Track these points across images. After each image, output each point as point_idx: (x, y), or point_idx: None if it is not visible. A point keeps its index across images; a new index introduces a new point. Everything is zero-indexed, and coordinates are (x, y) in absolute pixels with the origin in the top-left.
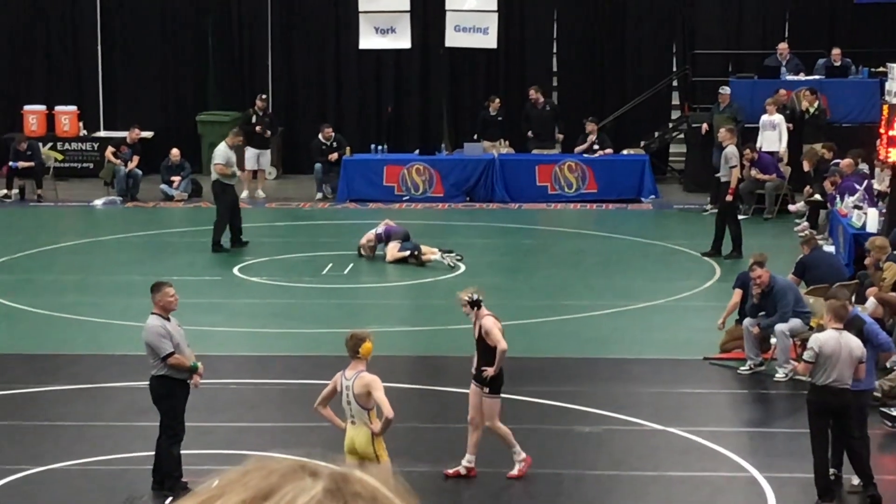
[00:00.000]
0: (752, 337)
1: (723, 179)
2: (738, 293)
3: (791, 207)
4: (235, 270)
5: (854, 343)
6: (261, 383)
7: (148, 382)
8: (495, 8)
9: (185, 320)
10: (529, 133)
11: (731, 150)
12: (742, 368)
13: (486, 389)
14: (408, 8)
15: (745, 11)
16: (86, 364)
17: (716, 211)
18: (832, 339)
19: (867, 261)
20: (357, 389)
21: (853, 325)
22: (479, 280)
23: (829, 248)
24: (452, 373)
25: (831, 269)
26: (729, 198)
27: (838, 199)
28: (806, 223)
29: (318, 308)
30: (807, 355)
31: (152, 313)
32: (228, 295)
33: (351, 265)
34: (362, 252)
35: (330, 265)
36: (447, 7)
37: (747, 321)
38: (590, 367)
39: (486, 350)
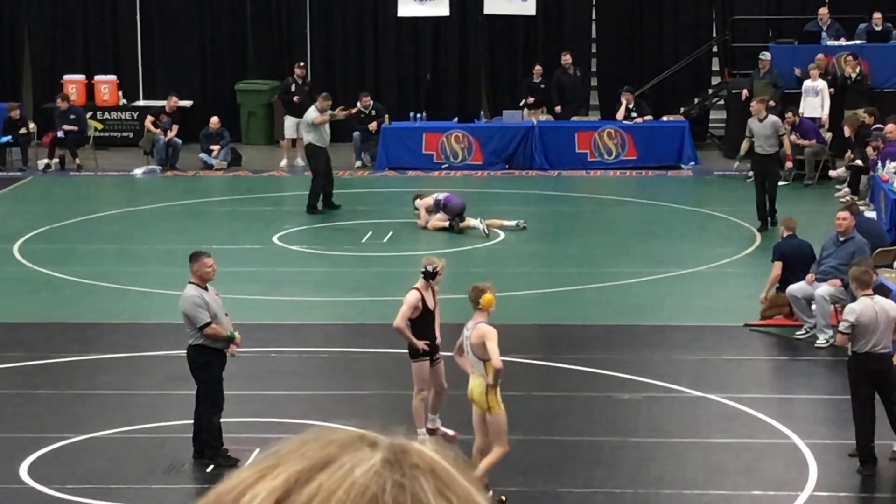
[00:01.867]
0: (800, 302)
1: (766, 152)
2: (777, 265)
3: (832, 173)
4: (275, 239)
5: (889, 305)
6: (301, 351)
7: (188, 348)
8: None
9: (224, 289)
10: (558, 108)
11: (775, 119)
12: (799, 333)
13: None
14: None
15: None
16: (126, 333)
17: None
18: (867, 307)
19: None
20: (474, 339)
21: (880, 292)
22: (519, 248)
23: (871, 214)
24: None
25: (873, 235)
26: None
27: (880, 164)
28: (847, 189)
29: (358, 276)
30: (842, 326)
31: (190, 282)
32: (268, 263)
33: (391, 233)
34: (416, 208)
35: (370, 233)
36: None
37: (792, 288)
38: (629, 334)
39: (430, 325)
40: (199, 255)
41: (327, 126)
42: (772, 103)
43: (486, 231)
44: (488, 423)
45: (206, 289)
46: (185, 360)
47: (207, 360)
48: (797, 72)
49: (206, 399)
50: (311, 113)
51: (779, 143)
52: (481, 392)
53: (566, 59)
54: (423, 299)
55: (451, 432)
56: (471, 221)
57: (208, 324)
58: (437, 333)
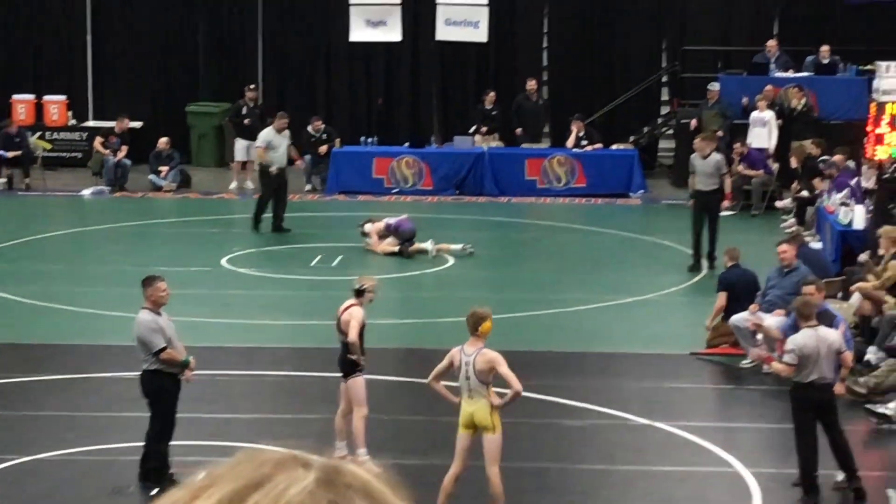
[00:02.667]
0: (744, 332)
1: (708, 188)
2: (723, 295)
3: (778, 204)
4: (224, 262)
5: (832, 336)
6: (249, 375)
7: (139, 374)
8: (486, 2)
9: (172, 311)
10: (518, 130)
11: (719, 158)
12: (744, 362)
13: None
14: (399, 1)
15: (735, 8)
16: (74, 354)
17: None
18: (809, 338)
19: (862, 257)
20: (479, 365)
21: (823, 319)
22: (467, 272)
23: (816, 245)
24: None
25: (818, 265)
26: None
27: (826, 195)
28: (793, 219)
29: (307, 300)
30: (788, 358)
31: (143, 307)
32: (217, 286)
33: (340, 257)
34: (365, 232)
35: (318, 257)
36: (438, 0)
37: (735, 318)
38: (577, 361)
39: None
40: (152, 280)
41: (281, 148)
42: (720, 133)
43: (434, 254)
44: (489, 442)
45: (159, 314)
46: (134, 382)
47: (162, 385)
48: (744, 101)
49: (158, 425)
50: (268, 133)
51: (720, 181)
52: (486, 414)
53: (531, 84)
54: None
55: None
56: (420, 245)
57: (164, 349)
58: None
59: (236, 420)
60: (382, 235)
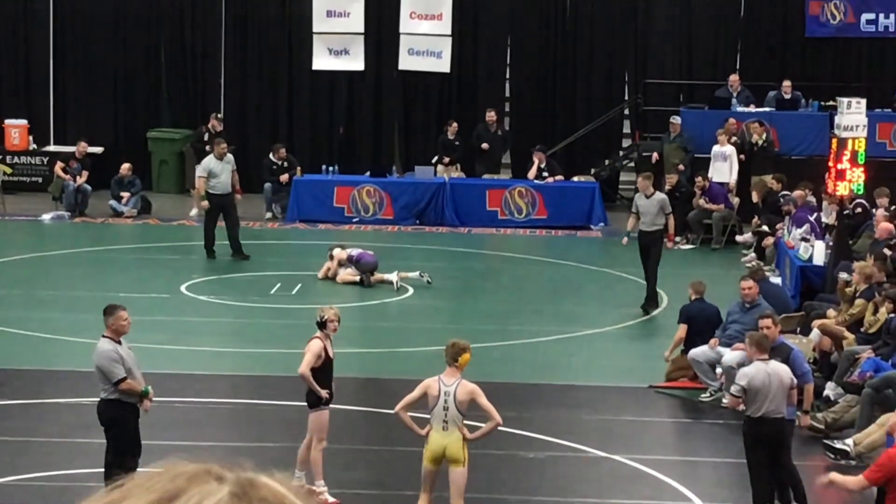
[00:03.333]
0: (702, 366)
1: (651, 228)
2: (683, 328)
3: (739, 238)
4: (183, 288)
5: (783, 371)
6: (207, 402)
7: (96, 402)
8: (449, 32)
9: (132, 338)
10: (484, 145)
11: (662, 197)
12: (703, 396)
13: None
14: (362, 30)
15: (696, 42)
16: (30, 379)
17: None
18: (760, 371)
19: (841, 281)
20: (460, 396)
21: (780, 352)
22: (427, 303)
23: (776, 280)
24: (399, 395)
25: (778, 300)
26: (671, 244)
27: (785, 230)
28: (753, 254)
29: (266, 328)
30: (734, 389)
31: (103, 336)
32: (175, 313)
33: (299, 285)
34: (332, 256)
35: (278, 285)
36: (401, 30)
37: (694, 352)
38: (535, 392)
39: (329, 374)
40: (114, 309)
41: (225, 174)
42: (681, 167)
43: (398, 286)
44: (456, 476)
45: (119, 342)
46: (90, 408)
47: (121, 415)
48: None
49: (116, 454)
50: (208, 161)
51: (664, 221)
52: (459, 447)
53: (490, 115)
54: (325, 348)
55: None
56: (384, 276)
57: (123, 379)
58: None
59: (194, 447)
60: (343, 265)
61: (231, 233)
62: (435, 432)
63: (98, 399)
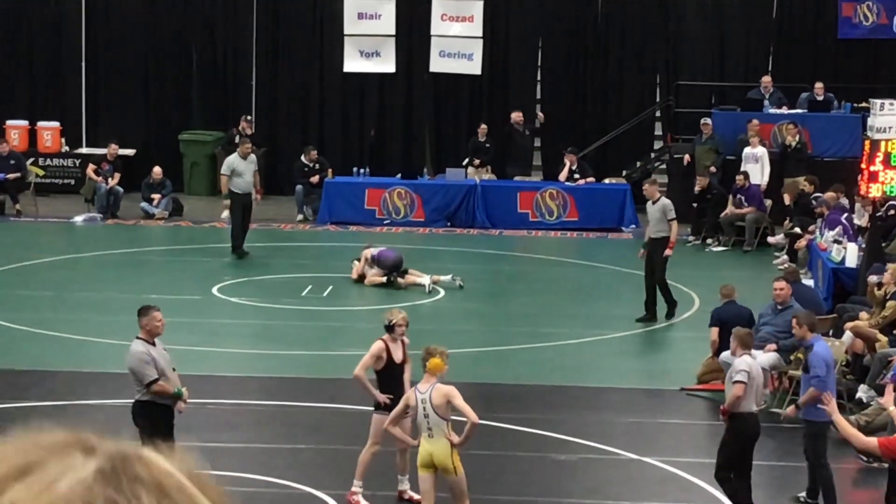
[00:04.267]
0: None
1: (657, 235)
2: (714, 331)
3: (771, 240)
4: (214, 290)
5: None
6: (238, 404)
7: (130, 403)
8: (480, 34)
9: (163, 339)
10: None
11: (666, 203)
12: None
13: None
14: (393, 32)
15: (729, 44)
16: (62, 381)
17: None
18: (754, 364)
19: (871, 283)
20: (435, 400)
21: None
22: (457, 305)
23: (808, 282)
24: None
25: (810, 303)
26: (669, 252)
27: (818, 232)
28: (785, 256)
29: (296, 330)
30: (741, 377)
31: (137, 337)
32: (207, 314)
33: (330, 287)
34: (356, 262)
35: (309, 287)
36: (432, 32)
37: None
38: (566, 395)
39: (401, 375)
40: (148, 310)
41: (248, 173)
42: (713, 169)
43: (430, 289)
44: (452, 484)
45: (153, 344)
46: (122, 410)
47: (153, 416)
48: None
49: None
50: (232, 159)
51: (668, 228)
52: (446, 454)
53: (517, 116)
54: (388, 351)
55: (416, 496)
56: (417, 279)
57: (156, 380)
58: (407, 388)
59: (224, 449)
60: (369, 265)
61: (244, 229)
62: (423, 440)
63: (132, 400)
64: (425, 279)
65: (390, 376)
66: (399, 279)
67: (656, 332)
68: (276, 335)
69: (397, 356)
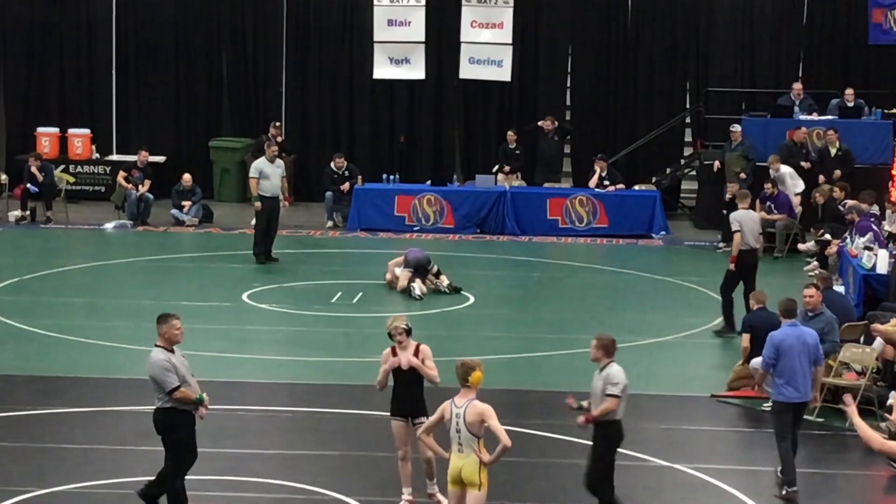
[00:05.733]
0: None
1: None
2: (746, 337)
3: (801, 247)
4: (244, 297)
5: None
6: (267, 410)
7: (154, 412)
8: (510, 41)
9: (193, 346)
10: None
11: (735, 213)
12: (765, 405)
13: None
14: (423, 39)
15: (759, 50)
16: (91, 387)
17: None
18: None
19: None
20: (469, 417)
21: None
22: (487, 312)
23: (839, 289)
24: None
25: (841, 309)
26: (731, 267)
27: (848, 239)
28: (816, 263)
29: (326, 336)
30: (615, 390)
31: (156, 345)
32: (237, 321)
33: (360, 294)
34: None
35: (339, 294)
36: (462, 39)
37: (756, 361)
38: None
39: (414, 381)
40: (167, 318)
41: (276, 177)
42: (743, 176)
43: (447, 289)
44: (473, 498)
45: (172, 351)
46: (150, 416)
47: (175, 423)
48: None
49: (173, 462)
50: (260, 163)
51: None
52: (474, 470)
53: (547, 124)
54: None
55: (444, 500)
56: (437, 281)
57: (178, 387)
58: (422, 394)
59: (254, 455)
60: (400, 266)
61: (269, 240)
62: (453, 454)
63: (154, 408)
64: (443, 280)
65: (398, 383)
66: (429, 280)
67: (687, 338)
68: (306, 342)
69: (402, 362)
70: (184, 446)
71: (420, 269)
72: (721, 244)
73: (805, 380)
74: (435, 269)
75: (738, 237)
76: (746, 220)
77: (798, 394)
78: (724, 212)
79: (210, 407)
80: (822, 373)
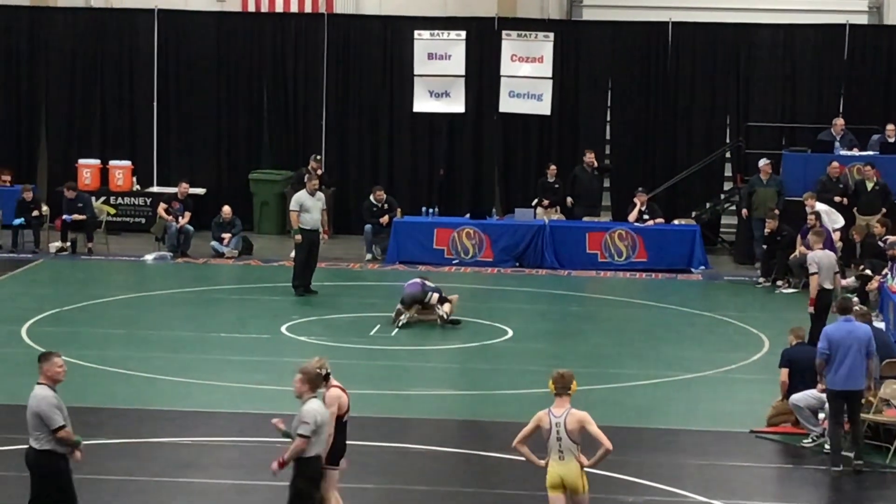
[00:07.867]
0: (804, 412)
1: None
2: (784, 372)
3: (842, 282)
4: (283, 329)
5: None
6: None
7: (196, 442)
8: (550, 75)
9: (231, 378)
10: (569, 200)
11: (813, 254)
12: (805, 441)
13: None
14: (463, 73)
15: (800, 85)
16: (130, 418)
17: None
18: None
19: None
20: (570, 425)
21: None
22: (526, 346)
23: (880, 325)
24: (497, 438)
25: (882, 345)
26: (811, 309)
27: (889, 275)
28: (856, 298)
29: (365, 369)
30: (305, 430)
31: (39, 383)
32: (276, 353)
33: (398, 327)
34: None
35: (378, 326)
36: (502, 73)
37: (796, 397)
38: (635, 436)
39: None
40: (49, 356)
41: (316, 210)
42: (776, 211)
43: (442, 322)
44: (580, 501)
45: (55, 390)
46: (190, 448)
47: (59, 467)
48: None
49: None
50: (301, 196)
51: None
52: (577, 475)
53: (589, 157)
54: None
55: None
56: (440, 310)
57: (63, 426)
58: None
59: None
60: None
61: (309, 272)
62: (553, 462)
63: (27, 447)
64: (445, 306)
65: (339, 431)
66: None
67: (726, 374)
68: (345, 374)
69: (338, 407)
70: (67, 487)
71: (414, 304)
72: (761, 279)
73: (856, 370)
74: (436, 297)
75: (814, 280)
76: (825, 261)
77: (848, 382)
78: (764, 247)
79: (247, 439)
80: (874, 364)
